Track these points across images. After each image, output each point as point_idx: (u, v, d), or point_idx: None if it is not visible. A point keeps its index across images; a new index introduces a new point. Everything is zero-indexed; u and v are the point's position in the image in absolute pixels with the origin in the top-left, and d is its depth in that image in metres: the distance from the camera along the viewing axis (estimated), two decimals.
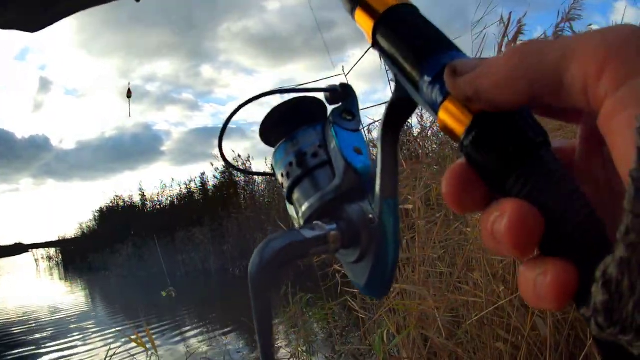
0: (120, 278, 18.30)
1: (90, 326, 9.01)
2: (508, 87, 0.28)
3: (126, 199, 22.04)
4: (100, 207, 23.83)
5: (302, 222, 0.52)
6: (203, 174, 18.58)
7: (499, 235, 0.27)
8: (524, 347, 1.77)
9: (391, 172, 0.44)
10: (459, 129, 0.31)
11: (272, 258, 0.44)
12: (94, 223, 24.65)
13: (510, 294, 1.94)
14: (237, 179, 17.21)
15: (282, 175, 0.55)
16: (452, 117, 0.31)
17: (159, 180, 22.98)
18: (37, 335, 8.41)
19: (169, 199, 20.06)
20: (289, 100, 0.56)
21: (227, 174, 17.36)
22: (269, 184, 16.32)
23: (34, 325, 9.91)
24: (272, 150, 0.57)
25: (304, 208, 0.52)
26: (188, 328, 8.04)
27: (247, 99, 0.61)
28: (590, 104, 0.25)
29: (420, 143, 5.02)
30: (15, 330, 9.65)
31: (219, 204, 16.74)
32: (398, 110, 0.42)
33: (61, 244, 29.77)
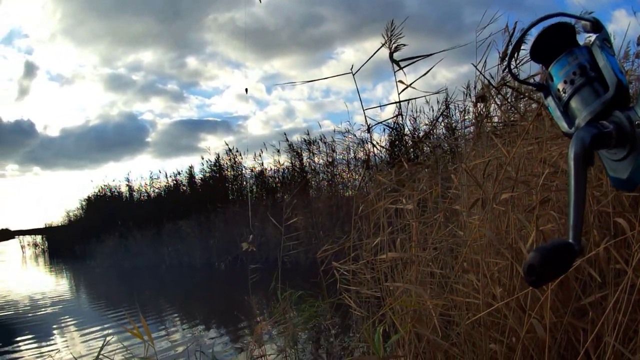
0: (105, 268, 18.15)
1: (69, 317, 8.96)
2: None
3: (114, 189, 21.86)
4: (88, 196, 23.56)
5: (580, 124, 0.65)
6: (191, 167, 18.45)
7: None
8: (519, 348, 1.81)
9: None
10: None
11: (588, 142, 0.60)
12: (81, 212, 24.40)
13: (507, 296, 1.99)
14: (225, 174, 17.12)
15: (566, 82, 0.67)
16: None
17: (148, 172, 22.63)
18: (18, 325, 8.32)
19: (157, 190, 19.89)
20: (560, 23, 0.68)
21: (216, 167, 17.26)
22: (257, 179, 16.26)
23: (13, 314, 9.82)
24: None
25: (584, 113, 0.65)
26: (171, 321, 8.04)
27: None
28: None
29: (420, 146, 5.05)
30: None
31: (207, 198, 16.63)
32: None
33: (47, 232, 29.42)
